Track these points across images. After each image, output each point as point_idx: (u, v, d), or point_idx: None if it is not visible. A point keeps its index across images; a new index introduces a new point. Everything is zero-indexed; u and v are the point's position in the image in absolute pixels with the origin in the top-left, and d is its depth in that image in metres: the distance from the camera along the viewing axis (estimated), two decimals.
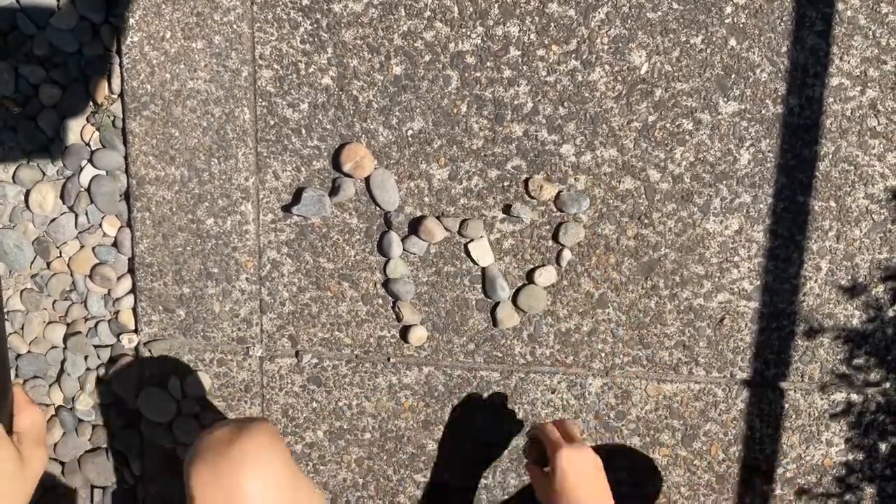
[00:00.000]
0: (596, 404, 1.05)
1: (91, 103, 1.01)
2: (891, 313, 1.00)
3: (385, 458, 1.10)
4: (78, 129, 1.02)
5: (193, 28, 0.96)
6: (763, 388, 1.04)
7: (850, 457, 1.05)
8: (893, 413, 1.03)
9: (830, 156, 0.96)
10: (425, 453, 1.09)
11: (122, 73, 0.98)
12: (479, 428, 1.07)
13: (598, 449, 1.05)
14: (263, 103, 0.98)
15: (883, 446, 1.04)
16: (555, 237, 1.00)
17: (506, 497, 1.10)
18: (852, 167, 0.96)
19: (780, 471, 1.06)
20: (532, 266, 1.01)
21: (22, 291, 1.07)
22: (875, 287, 0.99)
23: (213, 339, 1.07)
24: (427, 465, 1.09)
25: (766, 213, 0.98)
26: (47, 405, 1.11)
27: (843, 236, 0.98)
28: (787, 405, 1.04)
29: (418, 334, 1.03)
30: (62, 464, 1.13)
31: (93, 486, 1.14)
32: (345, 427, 1.09)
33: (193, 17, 0.96)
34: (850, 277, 0.99)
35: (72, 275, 1.07)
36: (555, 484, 0.81)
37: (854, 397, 1.03)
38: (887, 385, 1.02)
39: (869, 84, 0.93)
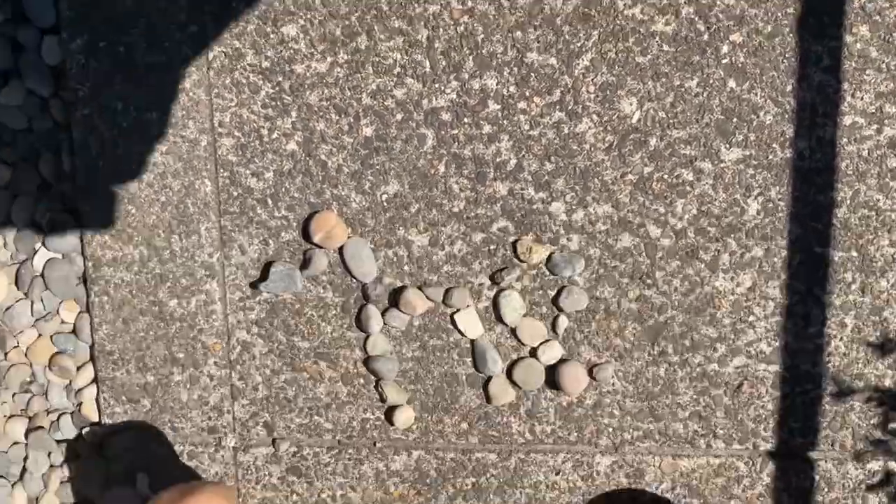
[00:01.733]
0: (606, 485, 0.95)
1: (42, 182, 0.94)
2: None
3: None
4: (29, 210, 0.95)
5: (146, 98, 0.90)
6: (790, 459, 0.93)
7: None
8: None
9: (848, 201, 0.87)
10: None
11: (72, 148, 0.92)
12: None
13: None
14: (225, 173, 0.91)
15: None
16: (554, 302, 0.91)
17: None
18: (873, 213, 0.87)
19: None
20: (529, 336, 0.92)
21: None
22: None
23: (181, 431, 0.98)
24: None
25: (781, 266, 0.89)
26: None
27: (868, 289, 0.89)
28: (817, 477, 0.93)
29: (405, 415, 0.94)
30: None
31: None
32: None
33: (146, 87, 0.89)
34: (879, 333, 0.89)
35: (31, 365, 0.99)
36: None
37: (893, 465, 0.92)
38: None
39: (886, 121, 0.85)
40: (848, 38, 0.83)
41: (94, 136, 0.91)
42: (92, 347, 0.97)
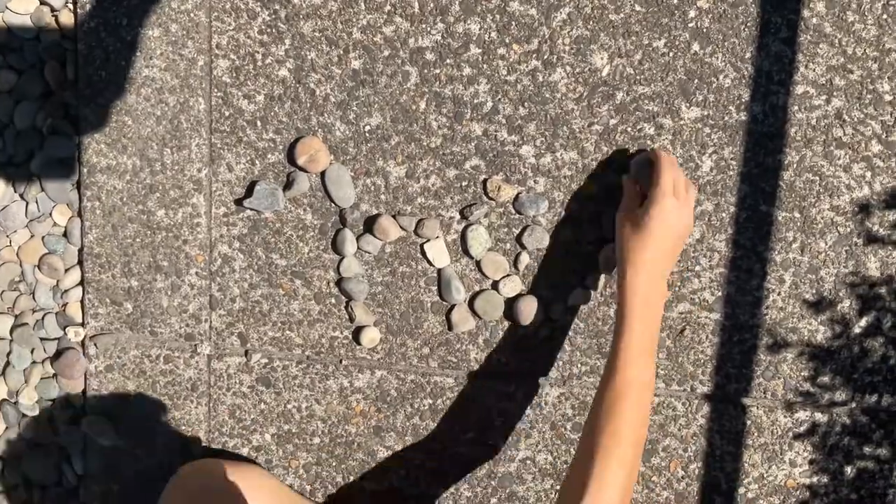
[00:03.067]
0: (552, 414, 1.02)
1: (46, 89, 1.00)
2: (857, 330, 0.97)
3: (334, 464, 1.06)
4: (31, 115, 1.00)
5: (150, 16, 0.95)
6: (724, 403, 1.00)
7: (815, 479, 1.01)
8: (860, 435, 1.00)
9: (795, 165, 0.94)
10: (376, 460, 1.06)
11: (77, 59, 0.97)
12: (432, 435, 1.04)
13: None
14: (219, 94, 0.97)
15: (848, 469, 1.01)
16: (517, 239, 0.97)
17: None
18: (817, 177, 0.94)
19: (741, 490, 1.02)
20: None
21: None
22: (841, 302, 0.96)
23: (160, 335, 1.04)
24: (377, 472, 1.06)
25: (729, 222, 0.96)
26: None
27: (807, 248, 0.96)
28: (748, 422, 1.01)
29: (371, 336, 1.01)
30: (3, 460, 1.09)
31: (32, 485, 1.10)
32: (293, 431, 1.05)
33: (151, 3, 0.95)
34: (814, 291, 0.97)
35: (20, 264, 1.05)
36: (644, 222, 0.85)
37: (819, 417, 1.00)
38: (853, 406, 0.99)
39: (835, 93, 0.92)
40: (805, 13, 0.90)
41: (99, 48, 0.97)
42: (81, 251, 1.03)
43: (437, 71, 0.94)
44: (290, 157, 0.97)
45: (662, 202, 0.84)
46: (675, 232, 0.86)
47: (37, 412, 1.08)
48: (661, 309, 0.87)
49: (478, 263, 0.99)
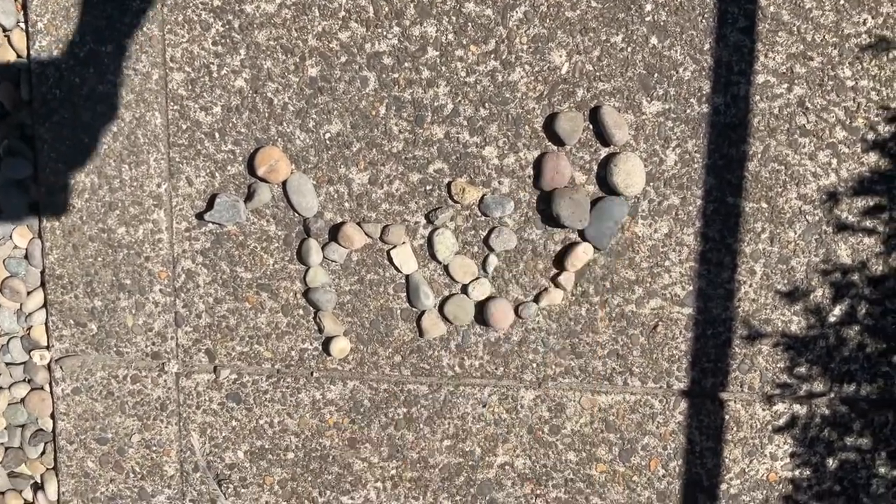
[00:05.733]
0: (529, 418, 1.01)
1: (1, 110, 0.98)
2: (832, 319, 0.96)
3: (310, 478, 1.04)
4: None
5: (102, 31, 0.94)
6: (702, 398, 0.99)
7: (797, 472, 1.00)
8: (840, 426, 0.99)
9: (759, 155, 0.93)
10: (352, 473, 1.04)
11: (31, 78, 0.96)
12: (409, 444, 1.02)
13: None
14: (175, 107, 0.95)
15: (830, 461, 1.00)
16: (485, 241, 0.96)
17: None
18: (783, 167, 0.93)
19: (723, 486, 1.01)
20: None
21: None
22: (813, 291, 0.96)
23: (126, 355, 1.02)
24: (354, 485, 1.04)
25: (696, 215, 0.95)
26: None
27: (777, 238, 0.95)
28: (727, 417, 0.99)
29: (340, 346, 0.99)
30: None
31: None
32: (266, 446, 1.03)
33: (103, 20, 0.94)
34: (786, 281, 0.96)
35: None
36: None
37: (798, 409, 0.99)
38: (832, 395, 0.98)
39: (796, 81, 0.91)
40: (762, 2, 0.90)
41: (52, 67, 0.95)
42: (43, 272, 1.01)
43: (396, 75, 0.93)
44: (251, 167, 0.96)
45: None
46: None
47: (6, 438, 1.05)
48: None
49: (446, 268, 0.98)
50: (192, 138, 0.96)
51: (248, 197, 0.96)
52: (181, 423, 1.03)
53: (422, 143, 0.95)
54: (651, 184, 0.94)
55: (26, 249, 1.01)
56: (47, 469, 1.07)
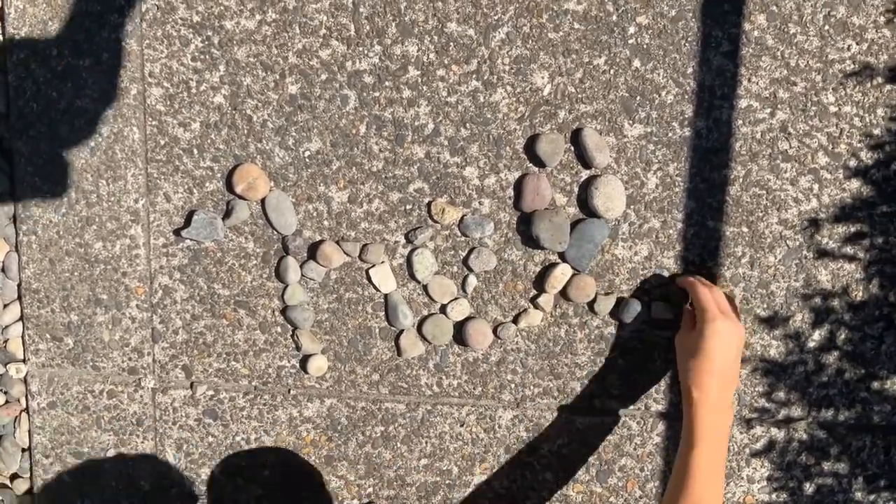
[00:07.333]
0: (506, 438, 1.00)
1: None
2: (811, 344, 0.96)
3: (286, 497, 1.04)
4: None
5: (81, 45, 0.93)
6: (679, 420, 0.99)
7: (773, 496, 1.00)
8: (817, 450, 0.99)
9: (741, 180, 0.92)
10: (328, 490, 1.04)
11: (8, 91, 0.95)
12: (386, 463, 1.02)
13: None
14: (153, 122, 0.94)
15: (807, 485, 1.00)
16: (464, 261, 0.96)
17: None
18: (764, 191, 0.93)
19: None
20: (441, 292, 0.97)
21: None
22: (793, 316, 0.95)
23: (102, 370, 1.02)
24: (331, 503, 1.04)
25: (677, 238, 0.94)
26: None
27: (757, 263, 0.94)
28: None
29: (318, 364, 0.99)
30: None
31: None
32: (243, 464, 1.03)
33: (81, 34, 0.93)
34: (766, 306, 0.95)
35: None
36: (701, 345, 0.85)
37: (776, 432, 0.99)
38: (810, 420, 0.98)
39: (779, 106, 0.91)
40: (747, 26, 0.89)
41: (30, 80, 0.94)
42: (19, 286, 1.00)
43: (377, 94, 0.92)
44: (229, 184, 0.95)
45: (714, 325, 0.85)
46: (734, 350, 0.86)
47: None
48: (728, 430, 0.87)
49: (425, 287, 0.97)
50: (170, 154, 0.95)
51: (227, 214, 0.95)
52: (157, 439, 1.03)
53: (402, 162, 0.94)
54: (632, 206, 0.93)
55: (3, 262, 1.00)
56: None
